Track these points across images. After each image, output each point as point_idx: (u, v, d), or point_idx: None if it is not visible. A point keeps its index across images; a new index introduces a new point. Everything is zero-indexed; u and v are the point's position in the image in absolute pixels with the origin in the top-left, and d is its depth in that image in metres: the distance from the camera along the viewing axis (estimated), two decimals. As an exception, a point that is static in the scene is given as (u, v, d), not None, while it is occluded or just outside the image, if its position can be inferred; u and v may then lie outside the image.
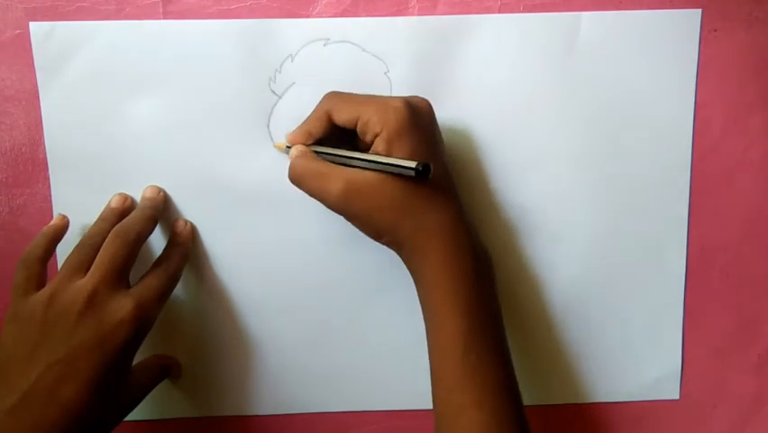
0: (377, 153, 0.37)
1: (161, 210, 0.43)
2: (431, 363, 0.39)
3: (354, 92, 0.40)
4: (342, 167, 0.38)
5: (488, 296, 0.40)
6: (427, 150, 0.38)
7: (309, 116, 0.40)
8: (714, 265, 0.47)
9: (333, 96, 0.40)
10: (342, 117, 0.39)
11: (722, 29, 0.44)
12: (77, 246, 0.40)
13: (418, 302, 0.40)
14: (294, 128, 0.41)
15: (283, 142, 0.42)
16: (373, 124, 0.37)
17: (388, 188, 0.37)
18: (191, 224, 0.44)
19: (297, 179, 0.39)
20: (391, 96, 0.39)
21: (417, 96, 0.40)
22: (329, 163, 0.39)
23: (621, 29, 0.43)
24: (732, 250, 0.47)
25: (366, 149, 0.39)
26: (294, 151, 0.40)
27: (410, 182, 0.37)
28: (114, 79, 0.42)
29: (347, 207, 0.38)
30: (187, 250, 0.43)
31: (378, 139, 0.37)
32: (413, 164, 0.35)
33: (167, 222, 0.44)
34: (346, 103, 0.39)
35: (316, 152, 0.40)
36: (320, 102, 0.40)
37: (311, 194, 0.39)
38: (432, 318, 0.39)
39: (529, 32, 0.43)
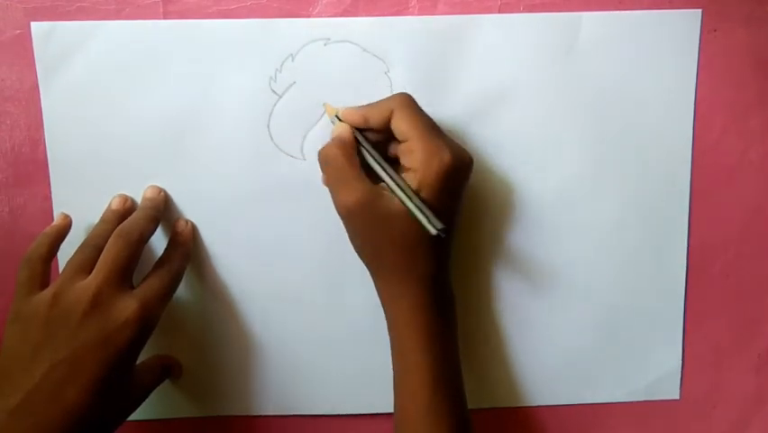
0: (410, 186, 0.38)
1: (163, 210, 0.43)
2: (396, 401, 0.40)
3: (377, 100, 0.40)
4: (364, 178, 0.38)
5: (453, 339, 0.41)
6: (448, 208, 0.39)
7: (375, 104, 0.40)
8: (714, 265, 0.47)
9: (406, 101, 0.39)
10: (397, 128, 0.39)
11: (722, 29, 0.44)
12: (80, 247, 0.40)
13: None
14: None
15: (335, 108, 0.41)
16: (414, 160, 0.38)
17: (393, 224, 0.38)
18: (192, 223, 0.44)
19: (323, 163, 0.40)
20: (446, 142, 0.38)
21: (465, 152, 0.40)
22: (356, 167, 0.38)
23: (621, 29, 0.43)
24: (732, 250, 0.47)
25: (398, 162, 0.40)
26: (338, 128, 0.40)
27: (415, 231, 0.37)
28: (115, 79, 0.42)
29: (349, 218, 0.39)
30: (188, 249, 0.43)
31: (410, 174, 0.38)
32: (436, 227, 0.36)
33: (167, 222, 0.44)
34: (408, 119, 0.38)
35: (359, 142, 0.40)
36: (392, 97, 0.39)
37: (326, 183, 0.40)
38: (401, 360, 0.40)
39: (529, 32, 0.43)
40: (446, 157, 0.37)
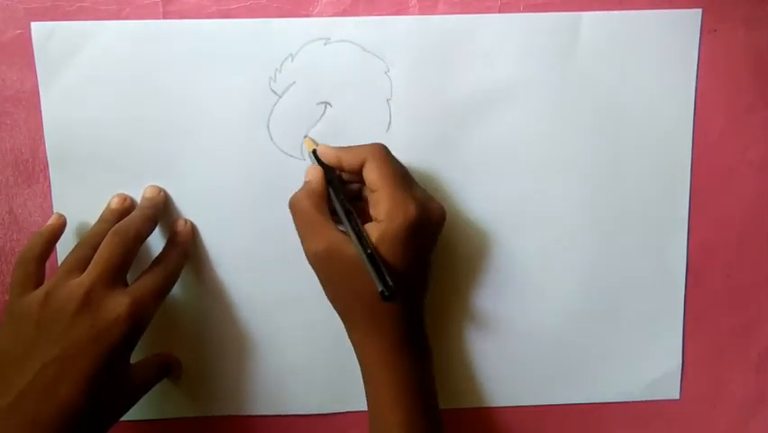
0: (369, 237, 0.37)
1: (161, 210, 0.43)
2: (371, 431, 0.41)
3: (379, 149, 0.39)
4: (332, 226, 0.38)
5: (426, 376, 0.41)
6: (414, 263, 0.39)
7: (350, 148, 0.40)
8: (714, 265, 0.47)
9: (379, 151, 0.39)
10: (367, 178, 0.39)
11: (722, 29, 0.44)
12: (76, 246, 0.40)
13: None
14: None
15: (313, 142, 0.42)
16: (379, 212, 0.38)
17: (358, 275, 0.37)
18: (191, 223, 0.44)
19: (292, 210, 0.40)
20: (414, 195, 0.38)
21: (437, 205, 0.40)
22: (324, 215, 0.39)
23: (621, 29, 0.43)
24: (732, 250, 0.47)
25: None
26: (310, 174, 0.40)
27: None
28: (115, 79, 0.42)
29: (317, 266, 0.40)
30: (186, 249, 0.43)
31: (374, 225, 0.38)
32: (380, 287, 0.35)
33: (167, 222, 0.44)
34: (378, 170, 0.38)
35: (331, 185, 0.40)
36: (366, 146, 0.40)
37: (297, 232, 0.40)
38: (373, 394, 0.41)
39: (529, 31, 0.43)
40: (411, 211, 0.37)
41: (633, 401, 0.48)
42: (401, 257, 0.37)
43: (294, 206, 0.40)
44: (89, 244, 0.39)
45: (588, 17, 0.43)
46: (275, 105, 0.43)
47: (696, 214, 0.46)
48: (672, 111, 0.45)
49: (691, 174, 0.45)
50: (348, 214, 0.38)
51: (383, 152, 0.39)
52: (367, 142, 0.40)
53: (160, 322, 0.44)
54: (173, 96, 0.43)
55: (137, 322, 0.38)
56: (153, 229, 0.42)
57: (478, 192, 0.45)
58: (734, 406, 0.49)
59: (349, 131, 0.43)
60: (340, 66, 0.43)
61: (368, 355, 0.40)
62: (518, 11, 0.43)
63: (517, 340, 0.47)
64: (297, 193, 0.40)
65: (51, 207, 0.44)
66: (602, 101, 0.44)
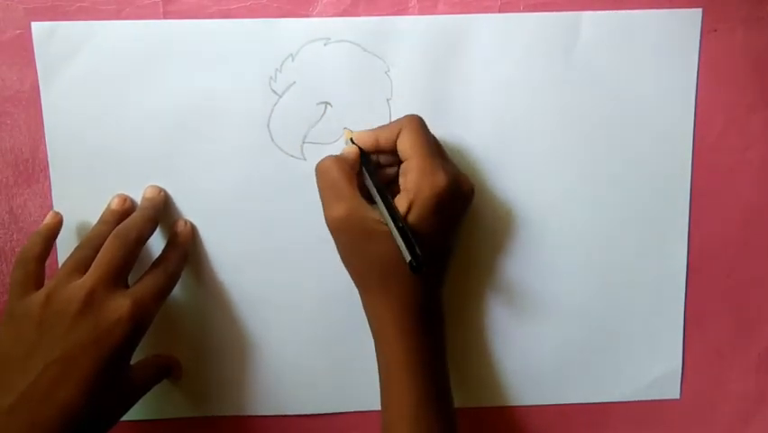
0: (396, 208, 0.37)
1: (162, 211, 0.43)
2: (383, 419, 0.40)
3: (383, 121, 0.40)
4: (356, 193, 0.38)
5: (440, 356, 0.41)
6: (439, 234, 0.38)
7: (386, 125, 0.40)
8: (714, 265, 0.47)
9: (414, 121, 0.39)
10: (401, 147, 0.39)
11: (722, 29, 0.44)
12: (77, 248, 0.40)
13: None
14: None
15: (351, 132, 0.42)
16: (409, 180, 0.38)
17: (379, 243, 0.37)
18: (191, 224, 0.44)
19: (318, 173, 0.40)
20: (444, 166, 0.38)
21: (466, 179, 0.40)
22: (350, 183, 0.38)
23: (621, 28, 0.43)
24: (732, 250, 0.47)
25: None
26: (346, 149, 0.41)
27: (399, 254, 0.37)
28: (115, 79, 0.42)
29: (337, 231, 0.39)
30: (186, 250, 0.43)
31: (403, 195, 0.38)
32: (408, 258, 0.35)
33: (167, 222, 0.44)
34: (411, 139, 0.38)
35: (364, 161, 0.40)
36: (402, 117, 0.40)
37: (320, 196, 0.40)
38: (387, 372, 0.40)
39: (529, 31, 0.43)
40: (440, 180, 0.37)
41: (634, 401, 0.48)
42: (427, 226, 0.37)
43: (320, 168, 0.39)
44: (90, 245, 0.39)
45: (588, 17, 0.43)
46: (275, 105, 0.43)
47: (696, 214, 0.46)
48: (673, 110, 0.45)
49: (692, 174, 0.45)
50: (378, 188, 0.38)
51: (418, 122, 0.39)
52: None
53: (160, 323, 0.44)
54: (173, 96, 0.43)
55: (138, 323, 0.38)
56: (154, 230, 0.42)
57: (477, 192, 0.45)
58: (734, 406, 0.49)
59: (349, 131, 0.43)
60: (340, 66, 0.43)
61: (381, 322, 0.40)
62: (518, 10, 0.43)
63: (518, 340, 0.47)
64: (325, 158, 0.40)
65: (51, 207, 0.43)
66: (602, 100, 0.44)
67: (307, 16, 0.43)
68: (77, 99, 0.42)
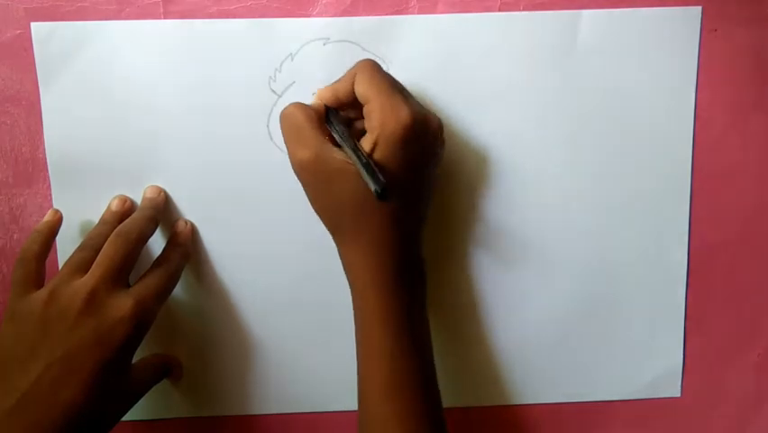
0: (362, 146, 0.37)
1: (162, 211, 0.43)
2: (359, 368, 0.39)
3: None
4: (320, 137, 0.37)
5: (418, 310, 0.40)
6: (409, 170, 0.37)
7: (341, 77, 0.39)
8: (714, 265, 0.47)
9: (368, 64, 0.38)
10: (358, 92, 0.38)
11: (722, 29, 0.44)
12: (78, 248, 0.40)
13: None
14: None
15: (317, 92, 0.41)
16: (372, 120, 0.37)
17: (345, 182, 0.37)
18: (191, 224, 0.44)
19: (282, 118, 0.39)
20: (407, 102, 0.37)
21: (433, 115, 0.39)
22: (314, 128, 0.38)
23: (621, 27, 0.43)
24: (732, 249, 0.47)
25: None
26: (312, 100, 0.40)
27: (367, 191, 0.36)
28: (115, 79, 0.42)
29: (304, 175, 0.38)
30: (187, 250, 0.43)
31: (368, 136, 0.37)
32: (373, 186, 0.34)
33: (167, 222, 0.44)
34: (367, 81, 0.37)
35: (329, 117, 0.39)
36: (356, 64, 0.39)
37: (284, 141, 0.39)
38: (362, 325, 0.39)
39: (529, 30, 0.43)
40: (404, 114, 0.36)
41: (635, 399, 0.48)
42: (394, 161, 0.36)
43: (284, 114, 0.39)
44: (91, 245, 0.39)
45: (587, 15, 0.43)
46: (275, 104, 0.43)
47: (696, 213, 0.46)
48: (673, 109, 0.44)
49: (692, 174, 0.45)
50: (341, 129, 0.38)
51: (372, 64, 0.38)
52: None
53: (160, 322, 0.44)
54: (173, 95, 0.43)
55: (140, 323, 0.38)
56: (155, 230, 0.42)
57: (477, 192, 0.45)
58: (734, 404, 0.49)
59: (349, 130, 0.43)
60: (340, 66, 0.42)
61: (355, 270, 0.39)
62: (518, 10, 0.43)
63: (518, 339, 0.47)
64: (288, 105, 0.39)
65: (51, 207, 0.43)
66: (602, 99, 0.44)
67: (307, 16, 0.43)
68: (77, 99, 0.43)
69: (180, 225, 0.44)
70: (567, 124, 0.44)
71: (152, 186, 0.43)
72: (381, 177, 0.35)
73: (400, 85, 0.39)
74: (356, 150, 0.36)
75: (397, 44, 0.43)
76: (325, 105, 0.39)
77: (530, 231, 0.45)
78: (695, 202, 0.46)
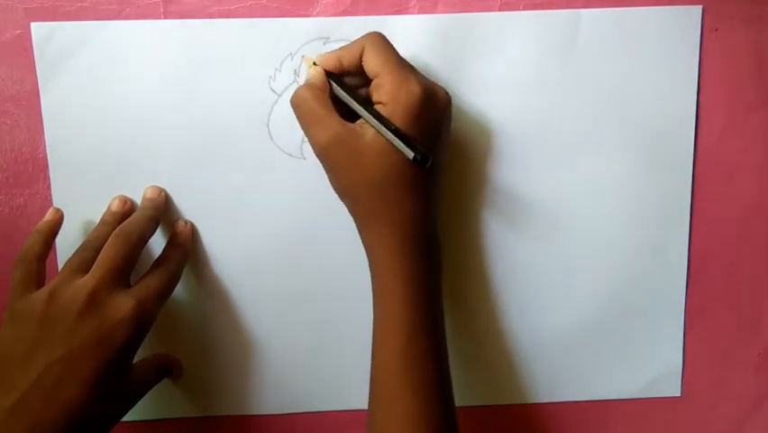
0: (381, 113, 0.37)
1: (163, 210, 0.43)
2: (374, 344, 0.40)
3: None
4: (336, 116, 0.38)
5: (436, 291, 0.40)
6: (425, 140, 0.38)
7: (347, 45, 0.40)
8: (714, 264, 0.47)
9: (377, 38, 0.38)
10: (367, 65, 0.38)
11: (722, 29, 0.44)
12: (79, 248, 0.40)
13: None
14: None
15: (312, 57, 0.40)
16: (383, 94, 0.37)
17: (370, 159, 0.37)
18: (191, 224, 0.44)
19: (294, 106, 0.39)
20: (416, 75, 0.38)
21: (440, 88, 0.39)
22: (327, 107, 0.38)
23: (621, 26, 0.43)
24: (732, 249, 0.47)
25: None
26: (311, 72, 0.40)
27: (392, 165, 0.37)
28: (115, 79, 0.42)
29: (326, 157, 0.38)
30: (187, 250, 0.43)
31: (380, 108, 0.37)
32: (411, 154, 0.35)
33: (167, 222, 0.44)
34: (377, 55, 0.38)
35: (334, 81, 0.39)
36: (363, 36, 0.39)
37: (301, 128, 0.39)
38: (380, 302, 0.39)
39: (530, 30, 0.43)
40: (414, 88, 0.37)
41: (635, 399, 0.48)
42: (413, 133, 0.37)
43: (295, 102, 0.39)
44: (91, 246, 0.39)
45: (587, 14, 0.43)
46: (275, 104, 0.43)
47: (697, 213, 0.46)
48: (674, 109, 0.44)
49: (693, 173, 0.45)
50: (358, 99, 0.38)
51: (380, 38, 0.39)
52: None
53: (160, 322, 0.44)
54: (173, 95, 0.43)
55: (141, 323, 0.38)
56: (155, 230, 0.42)
57: (476, 191, 0.45)
58: (734, 404, 0.49)
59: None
60: (340, 65, 0.43)
61: (379, 250, 0.39)
62: (518, 9, 0.43)
63: (519, 338, 0.47)
64: (297, 89, 0.39)
65: (51, 207, 0.43)
66: (602, 99, 0.44)
67: (307, 16, 0.43)
68: (77, 99, 0.42)
69: (180, 226, 0.44)
70: (567, 125, 0.44)
71: (153, 186, 0.43)
72: (416, 143, 0.35)
73: (405, 60, 0.39)
74: (383, 120, 0.36)
75: (397, 44, 0.42)
76: (329, 76, 0.39)
77: (528, 229, 0.45)
78: (695, 202, 0.46)
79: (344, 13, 0.43)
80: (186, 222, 0.44)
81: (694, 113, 0.45)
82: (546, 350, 0.47)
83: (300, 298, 0.45)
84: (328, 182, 0.40)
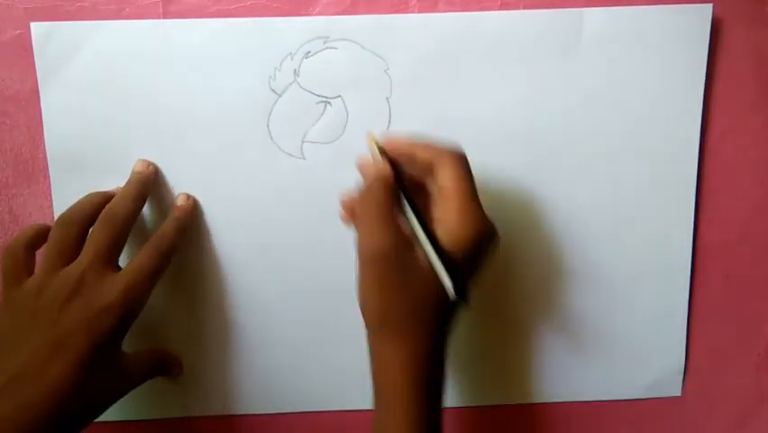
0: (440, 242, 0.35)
1: (151, 185, 0.43)
2: None
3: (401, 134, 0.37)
4: (401, 228, 0.36)
5: (438, 409, 0.38)
6: (470, 277, 0.37)
7: (429, 145, 0.37)
8: (714, 265, 0.47)
9: (462, 159, 0.37)
10: (443, 182, 0.36)
11: (723, 28, 0.44)
12: (61, 222, 0.39)
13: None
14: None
15: (376, 137, 0.38)
16: (449, 221, 0.36)
17: (418, 280, 0.35)
18: (194, 199, 0.44)
19: (366, 198, 0.37)
20: (484, 215, 0.36)
21: (495, 229, 0.37)
22: (395, 213, 0.36)
23: (625, 25, 0.43)
24: (732, 250, 0.47)
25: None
26: (379, 168, 0.37)
27: (438, 290, 0.35)
28: (115, 79, 0.42)
29: (371, 263, 0.36)
30: (184, 225, 0.43)
31: (442, 233, 0.36)
32: (459, 294, 0.34)
33: (165, 203, 0.44)
34: (460, 180, 0.36)
35: (400, 185, 0.37)
36: (449, 148, 0.37)
37: (350, 220, 0.38)
38: (382, 418, 0.37)
39: (531, 29, 0.43)
40: (481, 226, 0.36)
41: (636, 399, 0.48)
42: (463, 267, 0.36)
43: (368, 195, 0.37)
44: (71, 221, 0.39)
45: (590, 13, 0.43)
46: (275, 104, 0.43)
47: (697, 213, 0.46)
48: (679, 110, 0.44)
49: (698, 174, 0.45)
50: (417, 213, 0.36)
51: (465, 160, 0.37)
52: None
53: (158, 321, 0.44)
54: (173, 95, 0.43)
55: (130, 308, 0.38)
56: (142, 206, 0.42)
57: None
58: (734, 404, 0.49)
59: (349, 129, 0.43)
60: (340, 64, 0.43)
61: (390, 373, 0.36)
62: (519, 8, 0.43)
63: (520, 338, 0.47)
64: (371, 182, 0.37)
65: (51, 206, 0.44)
66: (606, 100, 0.44)
67: (307, 16, 0.42)
68: (77, 99, 0.42)
69: (181, 199, 0.43)
70: (570, 124, 0.44)
71: (142, 160, 0.43)
72: (461, 282, 0.34)
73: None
74: (433, 241, 0.35)
75: (397, 43, 0.43)
76: (395, 168, 0.37)
77: (530, 228, 0.45)
78: (697, 202, 0.46)
79: (344, 12, 0.43)
80: (188, 196, 0.44)
81: (701, 112, 0.44)
82: (548, 351, 0.47)
83: (300, 297, 0.45)
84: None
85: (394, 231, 0.36)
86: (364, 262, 0.36)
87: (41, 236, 0.40)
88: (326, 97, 0.43)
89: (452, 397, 0.47)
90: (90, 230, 0.39)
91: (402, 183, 0.37)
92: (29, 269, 0.39)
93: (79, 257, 0.38)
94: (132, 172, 0.43)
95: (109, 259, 0.38)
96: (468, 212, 0.36)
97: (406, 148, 0.38)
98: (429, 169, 0.37)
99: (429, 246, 0.35)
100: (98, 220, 0.39)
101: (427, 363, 0.36)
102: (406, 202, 0.37)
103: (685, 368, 0.48)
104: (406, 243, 0.36)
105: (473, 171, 0.38)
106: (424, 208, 0.37)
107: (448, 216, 0.36)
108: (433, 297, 0.35)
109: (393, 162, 0.37)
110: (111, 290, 0.37)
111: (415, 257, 0.36)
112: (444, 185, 0.36)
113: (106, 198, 0.41)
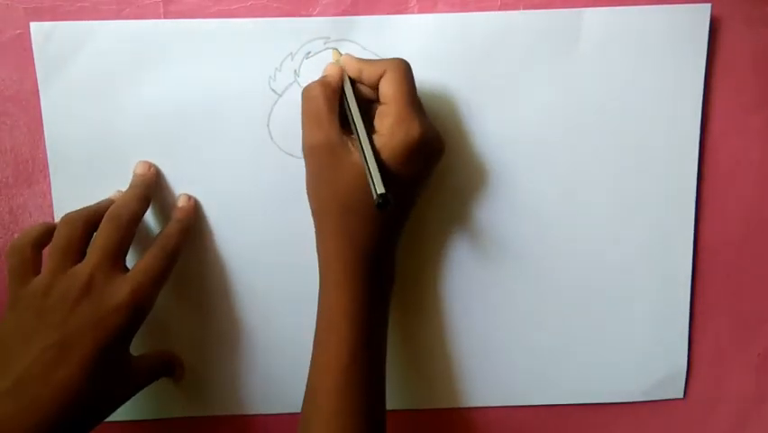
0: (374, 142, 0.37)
1: (153, 186, 0.43)
2: (313, 361, 0.40)
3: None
4: (336, 123, 0.38)
5: (383, 306, 0.41)
6: (402, 185, 0.38)
7: (373, 60, 0.40)
8: (715, 265, 0.47)
9: (401, 66, 0.38)
10: (382, 89, 0.38)
11: (723, 28, 0.44)
12: (66, 221, 0.39)
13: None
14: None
15: (340, 52, 0.41)
16: (384, 125, 0.38)
17: (348, 177, 0.37)
18: (195, 199, 0.44)
19: (304, 98, 0.39)
20: (420, 117, 0.38)
21: (440, 138, 0.40)
22: (332, 111, 0.38)
23: (624, 25, 0.43)
24: (732, 250, 0.47)
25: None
26: (330, 69, 0.40)
27: (365, 192, 0.36)
28: (115, 79, 0.42)
29: (311, 157, 0.39)
30: (187, 225, 0.43)
31: (376, 137, 0.38)
32: (377, 193, 0.35)
33: (167, 203, 0.44)
34: (394, 84, 0.38)
35: (350, 86, 0.39)
36: (390, 59, 0.39)
37: (301, 120, 0.40)
38: (326, 316, 0.40)
39: (530, 29, 0.43)
40: (414, 131, 0.37)
41: (638, 402, 0.48)
42: (393, 173, 0.37)
43: (306, 95, 0.39)
44: (72, 221, 0.39)
45: (589, 13, 0.43)
46: (274, 104, 0.43)
47: (697, 214, 0.46)
48: (679, 110, 0.44)
49: (698, 174, 0.45)
50: (359, 118, 0.38)
51: (405, 68, 0.39)
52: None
53: (160, 322, 0.44)
54: (173, 95, 0.43)
55: (138, 309, 0.38)
56: (147, 207, 0.42)
57: (477, 191, 0.45)
58: (734, 405, 0.49)
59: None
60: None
61: (331, 263, 0.40)
62: (519, 8, 0.43)
63: (522, 340, 0.47)
64: (313, 82, 0.40)
65: (51, 206, 0.44)
66: (605, 100, 0.44)
67: (308, 16, 0.42)
68: (77, 99, 0.42)
69: (183, 200, 0.44)
70: (569, 124, 0.44)
71: (142, 162, 0.43)
72: (385, 189, 0.35)
73: (418, 98, 0.40)
74: (369, 150, 0.37)
75: (397, 44, 0.43)
76: (346, 77, 0.40)
77: (533, 231, 0.45)
78: (697, 202, 0.46)
79: (344, 12, 0.43)
80: (189, 197, 0.44)
81: (700, 112, 0.44)
82: (550, 352, 0.47)
83: (300, 297, 0.45)
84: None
85: (329, 128, 0.38)
86: (305, 156, 0.39)
87: (47, 235, 0.40)
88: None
89: (450, 398, 0.46)
90: (95, 233, 0.39)
91: (352, 92, 0.39)
92: (36, 268, 0.39)
93: (87, 257, 0.38)
94: (135, 175, 0.43)
95: (117, 259, 0.38)
96: (401, 117, 0.37)
97: (356, 66, 0.40)
98: (376, 86, 0.39)
99: (361, 146, 0.37)
100: (104, 220, 0.39)
101: (363, 259, 0.39)
102: (350, 104, 0.39)
103: (687, 370, 0.48)
104: (342, 141, 0.38)
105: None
106: (371, 119, 0.39)
107: (384, 122, 0.38)
108: (361, 196, 0.37)
109: (348, 77, 0.40)
110: (120, 290, 0.37)
111: (348, 155, 0.37)
112: (382, 90, 0.38)
113: (109, 201, 0.41)
